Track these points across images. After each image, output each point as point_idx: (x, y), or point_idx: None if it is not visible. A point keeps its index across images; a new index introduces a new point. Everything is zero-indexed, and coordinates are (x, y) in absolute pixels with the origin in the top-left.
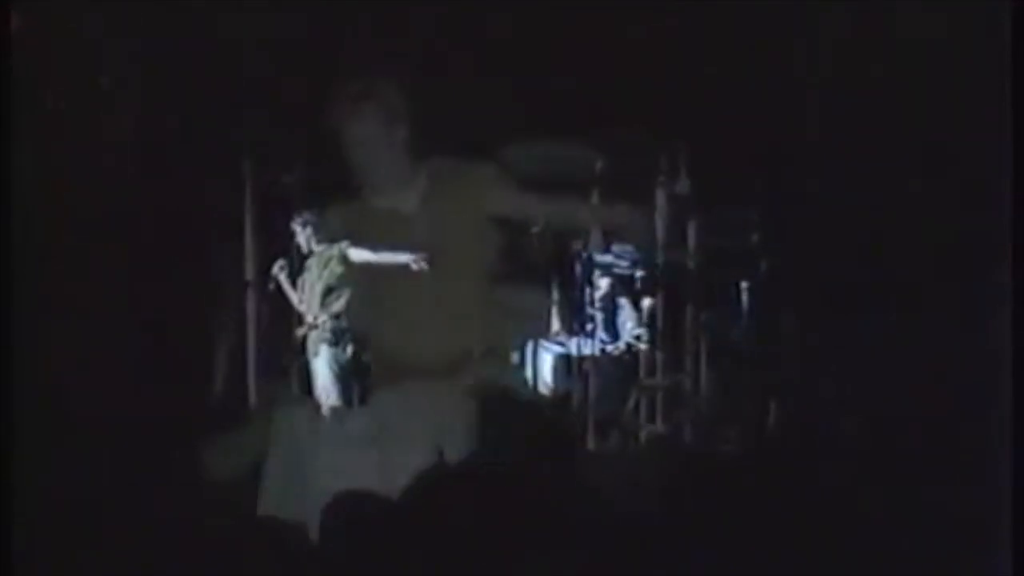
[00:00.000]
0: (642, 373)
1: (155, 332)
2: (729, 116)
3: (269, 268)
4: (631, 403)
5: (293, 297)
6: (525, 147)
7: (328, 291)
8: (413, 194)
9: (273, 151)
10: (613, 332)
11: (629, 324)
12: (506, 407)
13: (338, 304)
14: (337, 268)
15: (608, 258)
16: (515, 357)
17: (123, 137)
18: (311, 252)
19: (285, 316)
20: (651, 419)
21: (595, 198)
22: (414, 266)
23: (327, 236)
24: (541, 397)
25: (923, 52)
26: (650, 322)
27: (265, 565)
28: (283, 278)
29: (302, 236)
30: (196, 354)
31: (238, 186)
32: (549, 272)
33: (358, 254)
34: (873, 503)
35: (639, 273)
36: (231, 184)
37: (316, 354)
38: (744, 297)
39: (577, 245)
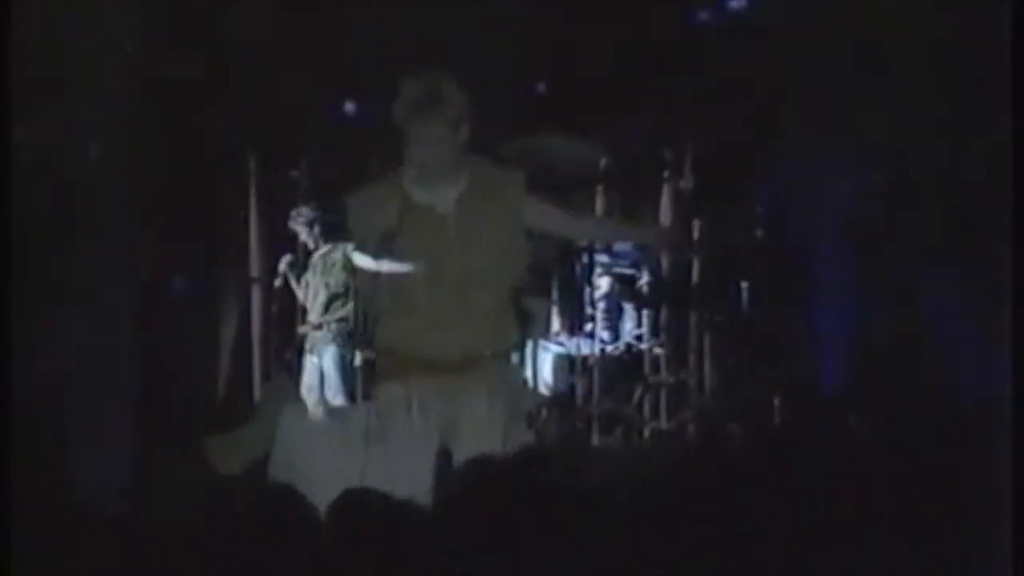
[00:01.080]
0: (646, 369)
1: (160, 328)
2: (734, 113)
3: (274, 264)
4: (635, 399)
5: (299, 293)
6: (531, 143)
7: (333, 298)
8: (453, 193)
9: (278, 147)
10: (613, 332)
11: (629, 324)
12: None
13: (343, 311)
14: (341, 274)
15: (608, 258)
16: (515, 357)
17: (126, 133)
18: (316, 249)
19: (290, 312)
20: (655, 415)
21: (600, 194)
22: (405, 270)
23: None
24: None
25: (925, 52)
26: (653, 320)
27: (269, 559)
28: (291, 275)
29: (307, 234)
30: (202, 350)
31: (243, 181)
32: (549, 272)
33: (362, 260)
34: (873, 501)
35: (640, 273)
36: (236, 180)
37: (319, 354)
38: (748, 293)
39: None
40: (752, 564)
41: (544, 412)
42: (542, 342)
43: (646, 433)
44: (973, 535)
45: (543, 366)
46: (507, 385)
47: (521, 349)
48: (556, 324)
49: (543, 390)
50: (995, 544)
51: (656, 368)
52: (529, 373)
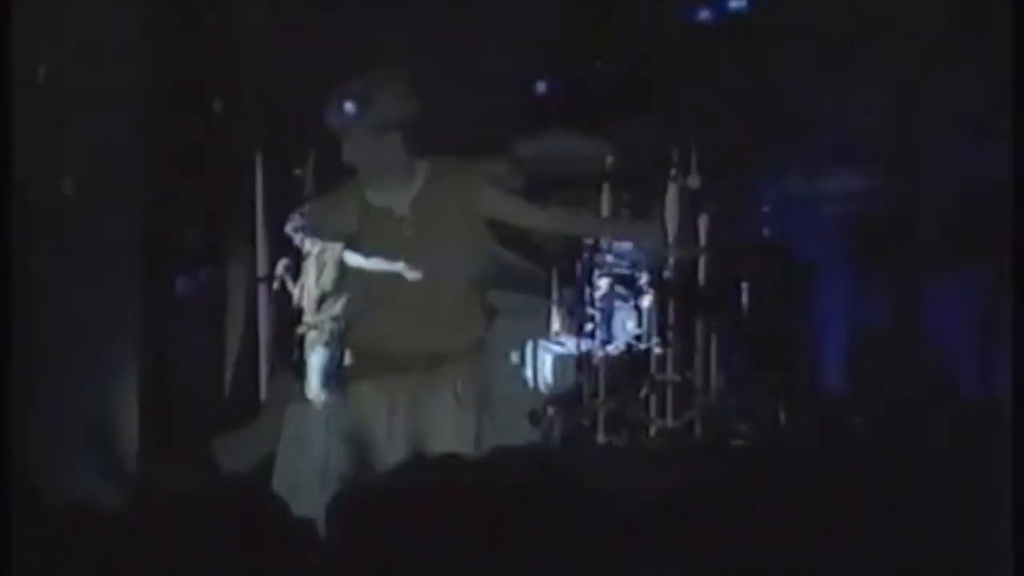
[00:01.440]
0: (652, 368)
1: (164, 327)
2: (740, 110)
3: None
4: (641, 397)
5: (295, 295)
6: (536, 142)
7: (324, 297)
8: (407, 195)
9: (284, 145)
10: (613, 332)
11: (629, 324)
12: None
13: (334, 308)
14: (333, 272)
15: (608, 258)
16: (515, 357)
17: (128, 132)
18: (310, 251)
19: (293, 313)
20: (661, 414)
21: (605, 194)
22: (408, 275)
23: (323, 230)
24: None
25: (925, 52)
26: (654, 320)
27: (275, 560)
28: (287, 278)
29: (298, 239)
30: (207, 349)
31: (249, 180)
32: (549, 271)
33: (353, 258)
34: (873, 501)
35: (640, 273)
36: (242, 177)
37: (314, 354)
38: (753, 292)
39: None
40: (754, 562)
41: (550, 411)
42: (542, 342)
43: (652, 432)
44: (973, 535)
45: (543, 367)
46: (476, 382)
47: (521, 348)
48: (556, 324)
49: (543, 390)
50: (995, 544)
51: (662, 366)
52: (529, 373)
